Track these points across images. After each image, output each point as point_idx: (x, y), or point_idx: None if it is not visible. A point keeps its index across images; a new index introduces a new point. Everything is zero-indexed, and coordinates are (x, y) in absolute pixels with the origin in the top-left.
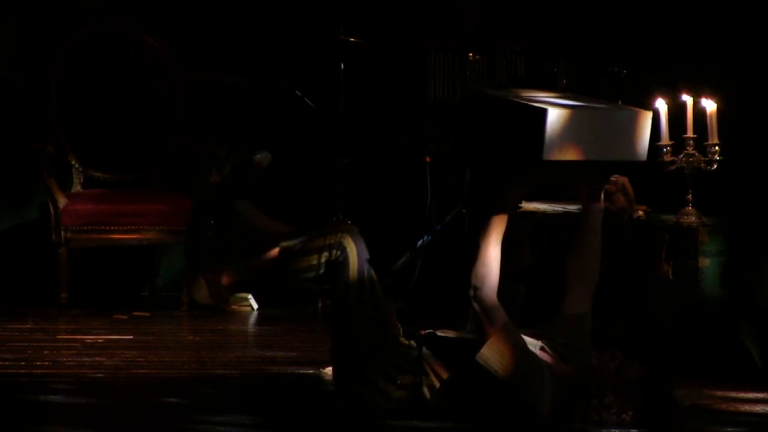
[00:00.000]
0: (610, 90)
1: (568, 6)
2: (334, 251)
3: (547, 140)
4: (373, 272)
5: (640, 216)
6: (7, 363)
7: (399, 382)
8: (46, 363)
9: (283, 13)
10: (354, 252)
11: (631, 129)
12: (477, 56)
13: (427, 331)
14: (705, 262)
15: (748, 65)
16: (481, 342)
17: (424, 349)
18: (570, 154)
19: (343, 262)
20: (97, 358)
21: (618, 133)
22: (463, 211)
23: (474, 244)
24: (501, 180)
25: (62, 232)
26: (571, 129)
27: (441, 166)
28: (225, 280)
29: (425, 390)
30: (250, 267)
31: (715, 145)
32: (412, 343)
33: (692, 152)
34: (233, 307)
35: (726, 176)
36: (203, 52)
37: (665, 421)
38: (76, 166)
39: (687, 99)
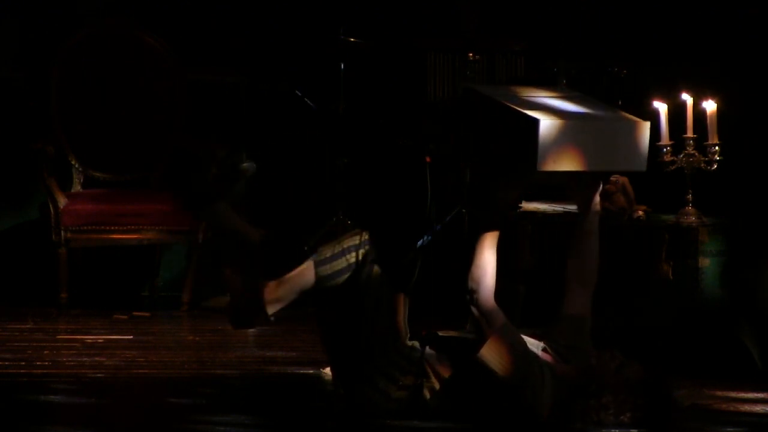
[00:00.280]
0: (610, 90)
1: (568, 6)
2: (360, 250)
3: (541, 151)
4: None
5: (640, 216)
6: (7, 363)
7: (400, 382)
8: (46, 363)
9: (283, 13)
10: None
11: (629, 139)
12: (477, 56)
13: (429, 332)
14: (705, 262)
15: (748, 65)
16: (481, 342)
17: (426, 349)
18: (565, 165)
19: (363, 261)
20: (97, 358)
21: (616, 143)
22: (463, 211)
23: (471, 245)
24: (495, 183)
25: (62, 232)
26: (566, 139)
27: (441, 166)
28: (267, 293)
29: (425, 391)
30: (291, 283)
31: (715, 145)
32: (415, 344)
33: (692, 152)
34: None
35: (726, 176)
36: (203, 52)
37: (665, 422)
38: (76, 166)
39: (687, 99)
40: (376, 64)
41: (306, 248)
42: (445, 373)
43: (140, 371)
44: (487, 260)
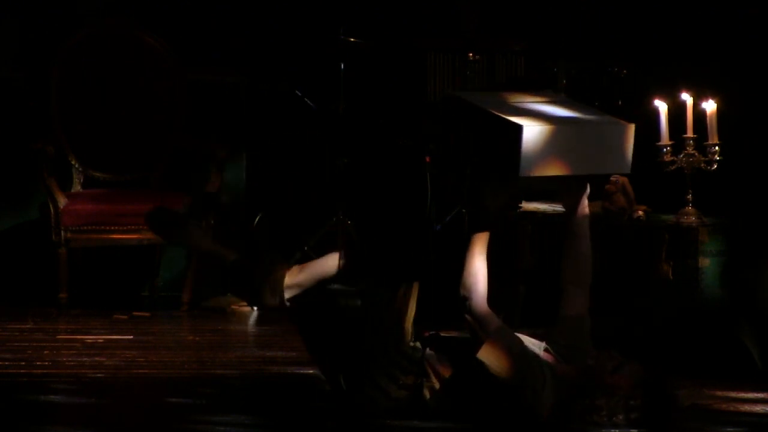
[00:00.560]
0: (610, 90)
1: (568, 6)
2: None
3: (524, 157)
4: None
5: (640, 216)
6: (7, 363)
7: (401, 382)
8: (46, 363)
9: (283, 13)
10: None
11: (614, 142)
12: (477, 56)
13: (430, 332)
14: (705, 262)
15: (748, 65)
16: (478, 346)
17: (427, 350)
18: (549, 170)
19: None
20: (97, 358)
21: (600, 146)
22: (463, 211)
23: (461, 252)
24: (482, 189)
25: (62, 232)
26: (550, 145)
27: (441, 166)
28: (288, 277)
29: (426, 391)
30: (313, 270)
31: (715, 145)
32: (417, 344)
33: (692, 152)
34: (233, 306)
35: (726, 176)
36: (203, 52)
37: (664, 422)
38: (76, 166)
39: (687, 99)
40: (376, 64)
41: (306, 248)
42: (446, 373)
43: (140, 371)
44: (478, 267)
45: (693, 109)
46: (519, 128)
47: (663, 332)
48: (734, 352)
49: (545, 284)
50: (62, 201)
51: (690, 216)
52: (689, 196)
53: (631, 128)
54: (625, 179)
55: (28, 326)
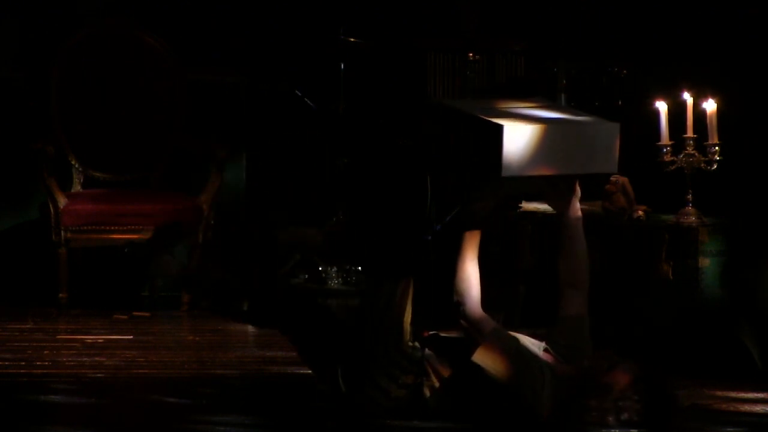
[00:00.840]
0: (610, 90)
1: (568, 6)
2: None
3: (506, 157)
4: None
5: (640, 216)
6: (7, 363)
7: (400, 381)
8: (46, 363)
9: (283, 13)
10: None
11: (599, 142)
12: (477, 56)
13: (431, 333)
14: (705, 262)
15: (748, 65)
16: (476, 347)
17: (427, 350)
18: (533, 170)
19: None
20: (97, 358)
21: (585, 146)
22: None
23: (452, 258)
24: (469, 194)
25: (62, 232)
26: (533, 145)
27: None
28: None
29: (426, 390)
30: None
31: (715, 145)
32: (417, 344)
33: (692, 152)
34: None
35: (726, 176)
36: (203, 52)
37: (662, 422)
38: (76, 166)
39: (687, 99)
40: (376, 64)
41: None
42: (445, 373)
43: (140, 371)
44: (470, 271)
45: (693, 109)
46: (500, 128)
47: (663, 332)
48: (734, 352)
49: (545, 284)
50: (62, 201)
51: (690, 216)
52: (689, 196)
53: (616, 127)
54: (625, 179)
55: (28, 326)
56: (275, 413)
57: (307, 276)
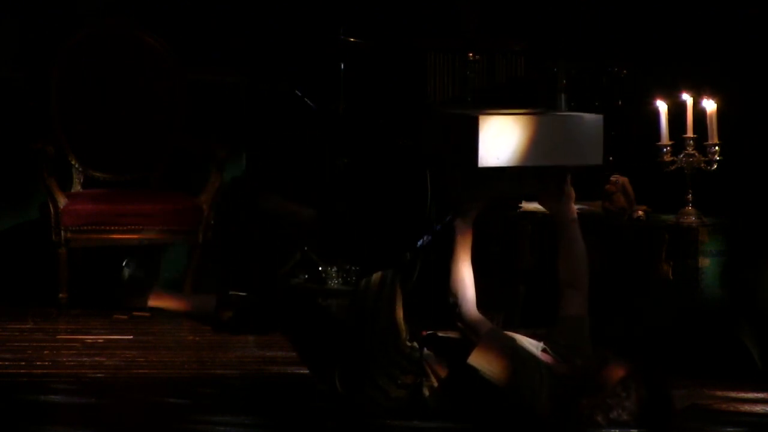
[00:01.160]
0: (610, 90)
1: (568, 6)
2: None
3: (482, 147)
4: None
5: (640, 216)
6: (7, 363)
7: (400, 381)
8: (46, 363)
9: (283, 13)
10: None
11: (581, 134)
12: (477, 56)
13: (429, 332)
14: (705, 262)
15: (748, 65)
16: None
17: (425, 350)
18: (509, 160)
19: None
20: (97, 358)
21: (567, 138)
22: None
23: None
24: (456, 195)
25: (62, 232)
26: (510, 136)
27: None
28: None
29: (425, 390)
30: None
31: (715, 145)
32: (415, 344)
33: (692, 152)
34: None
35: (726, 176)
36: (203, 52)
37: (653, 420)
38: (76, 166)
39: (687, 99)
40: (376, 64)
41: (306, 248)
42: (443, 373)
43: (140, 371)
44: (464, 273)
45: (693, 109)
46: (475, 119)
47: (663, 332)
48: (734, 352)
49: (545, 284)
50: (62, 201)
51: (690, 216)
52: (689, 196)
53: (600, 120)
54: (625, 179)
55: (28, 326)
56: (275, 413)
57: (307, 276)
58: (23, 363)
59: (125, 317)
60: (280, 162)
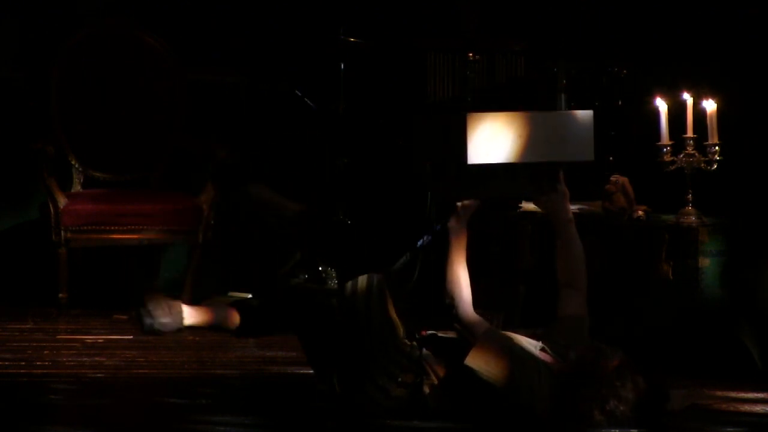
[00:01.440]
0: (610, 90)
1: (568, 6)
2: None
3: (471, 144)
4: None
5: (640, 216)
6: (7, 363)
7: (400, 380)
8: (46, 363)
9: (283, 13)
10: None
11: (570, 129)
12: (477, 56)
13: (428, 332)
14: (705, 262)
15: (748, 65)
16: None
17: (424, 350)
18: (499, 156)
19: None
20: (97, 358)
21: (556, 134)
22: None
23: (441, 262)
24: (449, 195)
25: (62, 232)
26: (499, 132)
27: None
28: None
29: (425, 388)
30: None
31: (715, 145)
32: (414, 344)
33: (692, 152)
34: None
35: (726, 176)
36: (203, 52)
37: (653, 410)
38: (76, 166)
39: (687, 99)
40: (376, 64)
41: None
42: (442, 374)
43: (140, 371)
44: (459, 274)
45: (693, 109)
46: (463, 117)
47: (663, 332)
48: (734, 352)
49: (545, 284)
50: (62, 201)
51: (690, 216)
52: (689, 196)
53: (590, 115)
54: (625, 179)
55: (28, 326)
56: (275, 413)
57: (307, 276)
58: (23, 363)
59: (125, 317)
60: (280, 162)
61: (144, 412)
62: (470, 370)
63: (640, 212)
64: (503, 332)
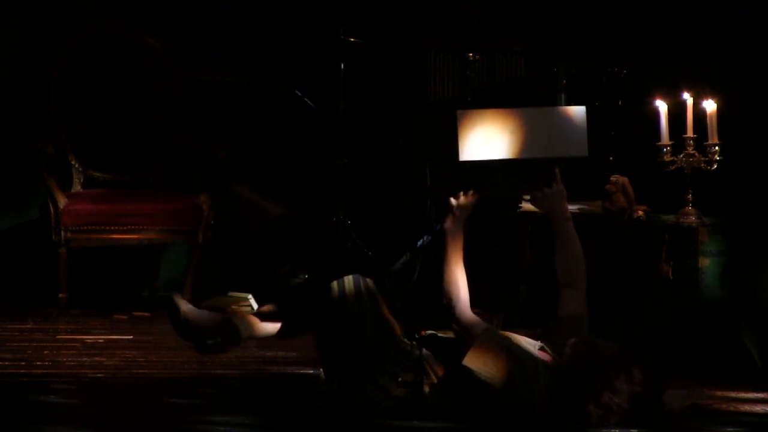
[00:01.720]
0: (610, 90)
1: (568, 6)
2: None
3: (462, 141)
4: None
5: (640, 216)
6: (7, 363)
7: (400, 379)
8: (46, 363)
9: (283, 13)
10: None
11: (563, 125)
12: (477, 56)
13: (428, 332)
14: (705, 262)
15: (748, 65)
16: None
17: (424, 350)
18: (492, 153)
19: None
20: (97, 358)
21: (550, 130)
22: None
23: (438, 264)
24: (443, 194)
25: (62, 232)
26: (492, 129)
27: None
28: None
29: (425, 388)
30: None
31: (715, 145)
32: (414, 343)
33: (692, 152)
34: (233, 307)
35: (726, 176)
36: (203, 52)
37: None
38: (76, 166)
39: (687, 99)
40: (376, 64)
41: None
42: (441, 373)
43: (140, 371)
44: (457, 275)
45: (693, 109)
46: (453, 115)
47: (663, 332)
48: (734, 352)
49: (545, 284)
50: (62, 201)
51: (690, 216)
52: (689, 196)
53: (582, 111)
54: (625, 179)
55: (28, 326)
56: (275, 413)
57: (307, 276)
58: (23, 363)
59: (125, 317)
60: (280, 162)
61: (144, 412)
62: (468, 371)
63: (640, 212)
64: (502, 332)
